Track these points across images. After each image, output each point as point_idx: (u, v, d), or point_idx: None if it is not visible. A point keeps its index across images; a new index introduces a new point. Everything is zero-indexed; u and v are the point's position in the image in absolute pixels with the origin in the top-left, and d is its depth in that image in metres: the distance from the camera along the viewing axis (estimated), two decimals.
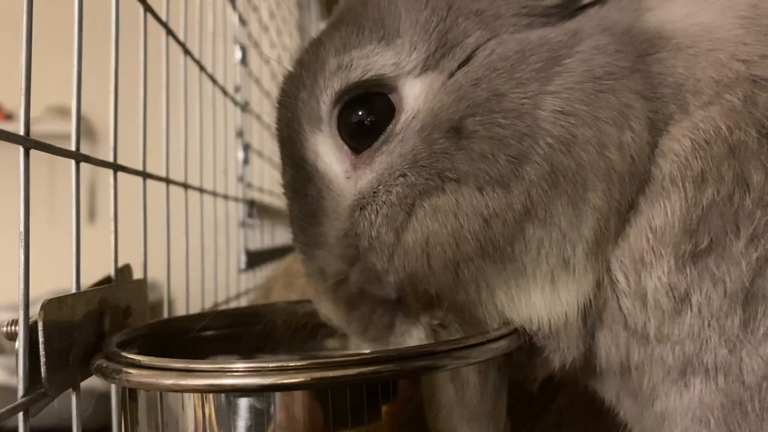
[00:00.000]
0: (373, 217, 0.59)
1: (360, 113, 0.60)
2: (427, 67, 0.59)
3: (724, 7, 0.58)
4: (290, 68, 0.67)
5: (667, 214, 0.55)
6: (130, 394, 0.57)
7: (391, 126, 0.59)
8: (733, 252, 0.53)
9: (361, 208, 0.59)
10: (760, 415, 0.53)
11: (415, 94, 0.59)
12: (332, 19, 0.67)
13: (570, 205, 0.56)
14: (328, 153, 0.62)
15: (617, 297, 0.58)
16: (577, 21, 0.59)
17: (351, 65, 0.60)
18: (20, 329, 0.53)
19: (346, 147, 0.62)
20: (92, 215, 3.34)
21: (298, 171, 0.65)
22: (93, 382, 0.62)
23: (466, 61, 0.58)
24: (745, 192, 0.54)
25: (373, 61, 0.59)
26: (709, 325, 0.54)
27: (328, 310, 0.65)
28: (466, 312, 0.61)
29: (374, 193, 0.59)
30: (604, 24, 0.59)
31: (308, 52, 0.65)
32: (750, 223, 0.53)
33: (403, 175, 0.57)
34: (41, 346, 0.54)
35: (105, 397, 0.69)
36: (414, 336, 0.63)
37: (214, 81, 1.21)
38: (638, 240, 0.57)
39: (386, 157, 0.59)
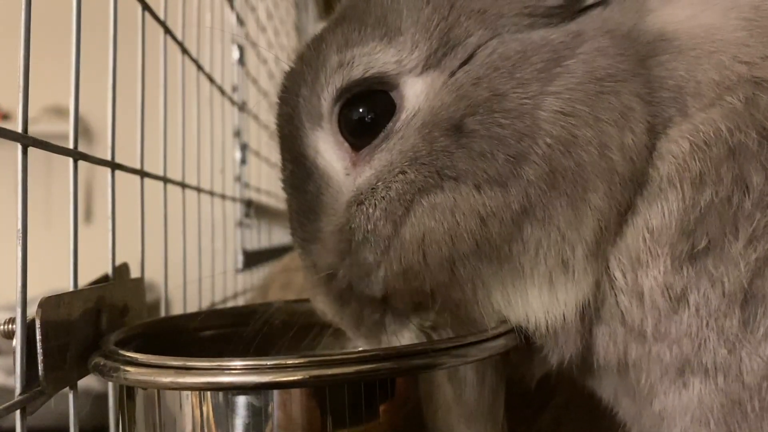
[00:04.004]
0: (370, 211, 0.58)
1: (361, 110, 0.60)
2: (428, 65, 0.59)
3: (726, 9, 0.58)
4: (291, 64, 0.67)
5: (664, 215, 0.55)
6: (127, 393, 0.56)
7: (391, 123, 0.59)
8: (731, 253, 0.53)
9: (358, 204, 0.59)
10: (759, 416, 0.53)
11: (416, 92, 0.59)
12: (334, 16, 0.67)
13: (570, 206, 0.55)
14: (328, 150, 0.62)
15: (615, 294, 0.58)
16: (579, 22, 0.59)
17: (353, 62, 0.59)
18: (18, 327, 0.53)
19: (346, 144, 0.62)
20: (89, 216, 3.33)
21: (298, 167, 0.64)
22: (90, 382, 0.62)
23: (467, 60, 0.58)
24: (744, 194, 0.53)
25: (375, 58, 0.59)
26: (707, 325, 0.54)
27: (323, 304, 0.65)
28: (461, 310, 0.61)
29: (372, 189, 0.58)
30: (606, 26, 0.58)
31: (310, 48, 0.65)
32: (749, 225, 0.53)
33: (403, 172, 0.57)
34: (39, 344, 0.54)
35: (102, 397, 0.69)
36: (405, 336, 0.63)
37: (211, 80, 1.21)
38: (635, 240, 0.57)
39: (386, 154, 0.59)
